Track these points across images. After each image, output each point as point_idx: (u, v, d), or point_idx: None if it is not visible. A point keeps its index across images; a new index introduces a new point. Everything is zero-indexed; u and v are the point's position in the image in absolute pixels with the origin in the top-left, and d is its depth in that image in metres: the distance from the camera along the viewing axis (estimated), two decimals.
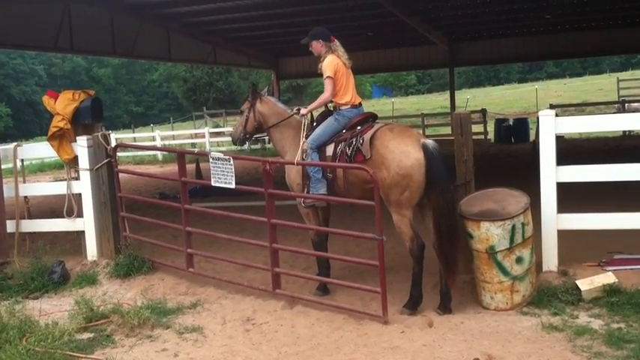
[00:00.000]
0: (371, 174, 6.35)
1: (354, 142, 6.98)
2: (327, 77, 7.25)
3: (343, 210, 9.22)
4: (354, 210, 10.01)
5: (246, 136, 8.11)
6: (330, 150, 7.25)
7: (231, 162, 7.38)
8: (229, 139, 32.22)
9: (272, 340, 6.10)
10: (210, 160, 7.56)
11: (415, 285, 6.69)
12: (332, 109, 7.52)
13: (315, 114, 7.78)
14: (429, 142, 6.69)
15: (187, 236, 8.04)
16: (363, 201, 6.76)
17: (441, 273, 6.69)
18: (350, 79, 7.46)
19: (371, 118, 7.40)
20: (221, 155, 7.49)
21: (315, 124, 7.54)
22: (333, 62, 7.26)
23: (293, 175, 7.58)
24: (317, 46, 7.43)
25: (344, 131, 7.25)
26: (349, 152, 7.00)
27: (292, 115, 7.79)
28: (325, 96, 7.35)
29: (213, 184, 7.62)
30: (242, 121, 8.04)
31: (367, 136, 6.89)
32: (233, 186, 7.41)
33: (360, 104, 7.48)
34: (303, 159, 7.31)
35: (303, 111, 7.61)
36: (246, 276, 7.97)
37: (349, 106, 7.36)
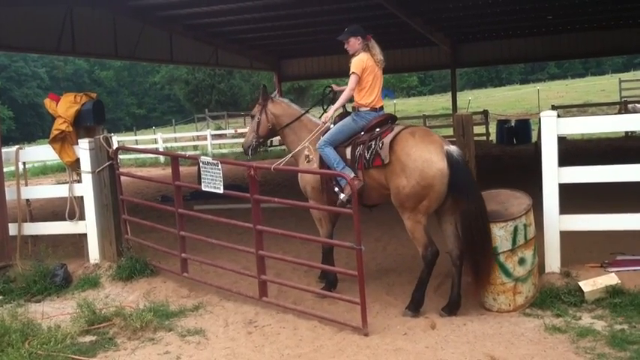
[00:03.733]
0: (349, 180, 6.27)
1: (372, 146, 6.74)
2: (352, 73, 7.01)
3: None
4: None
5: (259, 141, 7.89)
6: (349, 152, 7.02)
7: (219, 167, 7.33)
8: (231, 141, 32.62)
9: (274, 342, 6.09)
10: (200, 164, 7.54)
11: (419, 289, 6.60)
12: (351, 109, 7.29)
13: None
14: (453, 148, 6.46)
15: (182, 240, 8.02)
16: (343, 209, 6.72)
17: (453, 279, 6.60)
18: (377, 81, 7.17)
19: (390, 119, 7.16)
20: (210, 160, 7.47)
21: (332, 125, 7.27)
22: (362, 59, 7.04)
23: (308, 177, 7.40)
24: (354, 43, 7.16)
25: (362, 133, 7.02)
26: (367, 156, 6.78)
27: (305, 113, 7.69)
28: (347, 91, 7.10)
29: (203, 188, 7.56)
30: (253, 126, 7.83)
31: (387, 139, 6.64)
32: (221, 191, 7.33)
33: (381, 108, 7.21)
34: (307, 162, 7.27)
35: (326, 115, 7.31)
36: (249, 279, 7.92)
37: (369, 108, 7.10)
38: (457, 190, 6.36)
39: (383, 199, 6.85)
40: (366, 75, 7.04)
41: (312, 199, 7.48)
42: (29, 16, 15.28)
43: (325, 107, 7.44)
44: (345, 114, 7.37)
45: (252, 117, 7.92)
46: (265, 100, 7.79)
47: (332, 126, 7.26)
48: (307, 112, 7.79)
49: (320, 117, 7.53)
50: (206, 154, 28.51)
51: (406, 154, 6.47)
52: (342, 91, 7.36)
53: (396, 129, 6.77)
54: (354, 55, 7.17)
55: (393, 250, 9.06)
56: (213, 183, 7.41)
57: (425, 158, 6.38)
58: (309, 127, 7.53)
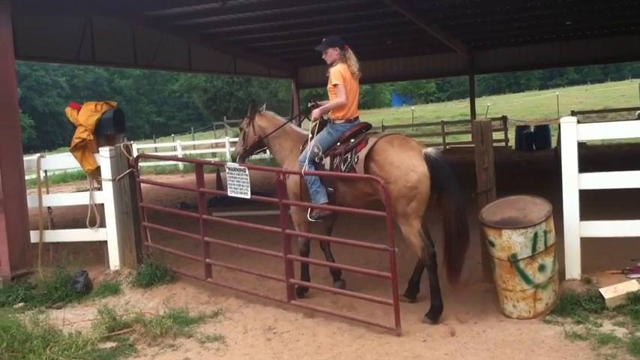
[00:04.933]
0: (382, 184, 6.35)
1: (348, 159, 7.03)
2: (335, 85, 7.22)
3: (346, 219, 9.13)
4: (354, 219, 9.94)
5: (246, 149, 8.24)
6: (327, 163, 7.27)
7: (247, 172, 7.42)
8: None
9: (293, 349, 6.10)
10: (227, 170, 7.63)
11: (434, 295, 6.61)
12: (327, 119, 7.51)
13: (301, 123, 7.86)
14: (430, 150, 6.76)
15: (206, 246, 8.07)
16: (376, 212, 6.74)
17: (417, 269, 7.18)
18: (353, 92, 7.38)
19: (364, 129, 7.38)
20: (237, 165, 7.55)
21: (311, 135, 7.49)
22: (339, 71, 7.24)
23: (291, 184, 7.59)
24: (333, 53, 7.37)
25: (338, 144, 7.26)
26: (343, 169, 7.06)
27: (288, 122, 8.02)
28: (339, 101, 7.22)
29: (229, 194, 7.67)
30: (241, 138, 8.29)
31: (362, 154, 6.89)
32: (248, 196, 7.43)
33: (356, 118, 7.43)
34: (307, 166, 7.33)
35: (314, 114, 7.44)
36: (268, 285, 7.98)
37: (343, 121, 7.33)
38: (438, 189, 6.61)
39: (369, 205, 7.07)
40: (344, 84, 7.24)
41: (293, 205, 7.59)
42: (49, 26, 15.47)
43: (311, 136, 7.50)
44: (322, 123, 7.54)
45: (241, 129, 8.34)
46: (253, 114, 8.17)
47: (310, 134, 7.49)
48: (290, 121, 8.18)
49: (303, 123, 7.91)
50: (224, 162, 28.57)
51: (389, 162, 6.73)
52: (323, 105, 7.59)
53: (371, 141, 6.95)
54: (331, 65, 7.38)
55: (411, 257, 8.96)
56: (240, 189, 7.48)
57: (407, 164, 6.65)
58: (292, 136, 7.91)
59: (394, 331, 6.21)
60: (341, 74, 7.22)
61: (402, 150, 6.77)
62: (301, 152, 7.48)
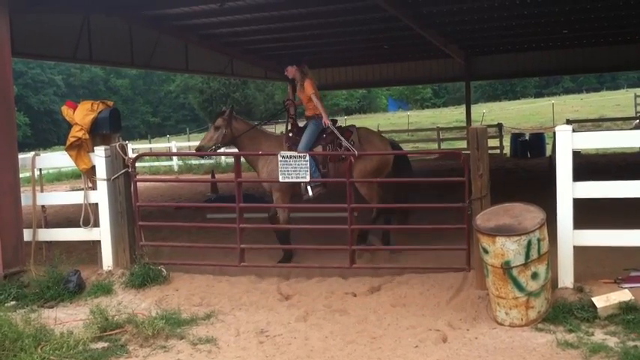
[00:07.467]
0: (463, 157, 7.86)
1: (343, 144, 9.14)
2: (316, 95, 9.44)
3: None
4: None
5: (218, 146, 9.49)
6: (319, 150, 9.22)
7: (307, 158, 8.43)
8: None
9: (285, 352, 6.09)
10: (280, 158, 8.45)
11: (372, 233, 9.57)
12: (305, 118, 9.67)
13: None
14: (393, 140, 10.54)
15: (241, 232, 8.59)
16: (454, 179, 8.30)
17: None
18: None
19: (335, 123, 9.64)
20: (293, 153, 8.58)
21: (291, 134, 9.63)
22: (312, 84, 9.48)
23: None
24: (292, 70, 9.58)
25: (324, 135, 9.37)
26: (341, 151, 9.13)
27: (257, 125, 10.02)
28: (322, 107, 9.47)
29: (281, 180, 8.53)
30: (216, 135, 9.43)
31: (355, 138, 9.30)
32: (307, 179, 8.53)
33: None
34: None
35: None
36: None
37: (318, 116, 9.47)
38: (396, 165, 9.62)
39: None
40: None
41: (277, 191, 9.26)
42: (47, 24, 15.43)
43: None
44: (296, 126, 9.95)
45: (217, 128, 9.42)
46: (230, 118, 9.43)
47: (290, 135, 9.67)
48: (262, 124, 10.30)
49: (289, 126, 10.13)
50: (219, 163, 28.75)
51: (370, 143, 9.45)
52: (297, 105, 10.27)
53: (354, 130, 9.52)
54: (302, 80, 9.54)
55: (404, 262, 9.02)
56: (296, 174, 8.42)
57: (383, 147, 9.58)
58: (270, 138, 9.75)
59: (467, 269, 7.53)
60: (313, 86, 9.47)
61: (378, 138, 9.93)
62: (288, 148, 9.20)
